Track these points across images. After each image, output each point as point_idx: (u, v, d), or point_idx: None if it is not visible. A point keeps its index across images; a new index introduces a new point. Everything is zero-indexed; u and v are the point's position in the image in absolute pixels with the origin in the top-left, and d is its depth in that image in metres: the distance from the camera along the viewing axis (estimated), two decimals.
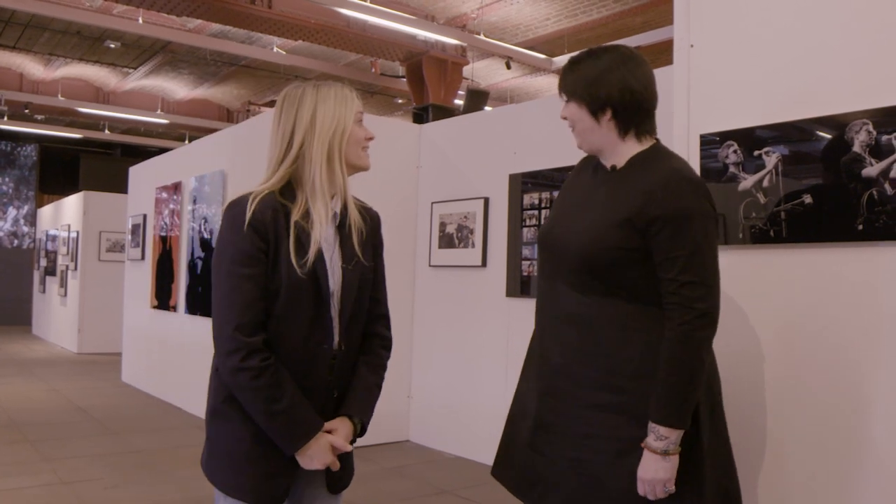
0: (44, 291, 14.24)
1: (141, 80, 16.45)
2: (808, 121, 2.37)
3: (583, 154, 2.17)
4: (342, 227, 1.94)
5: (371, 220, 2.03)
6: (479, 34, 12.08)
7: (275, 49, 13.76)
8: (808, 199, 2.35)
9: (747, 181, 2.50)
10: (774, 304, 2.43)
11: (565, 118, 2.07)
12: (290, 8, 10.78)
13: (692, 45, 2.75)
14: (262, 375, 1.77)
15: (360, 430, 1.96)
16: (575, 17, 11.65)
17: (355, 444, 1.98)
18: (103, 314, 11.41)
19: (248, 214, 1.81)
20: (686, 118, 2.73)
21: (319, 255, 1.85)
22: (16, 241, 19.08)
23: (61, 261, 12.74)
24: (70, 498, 4.29)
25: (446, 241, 5.71)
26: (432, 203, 5.88)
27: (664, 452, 1.83)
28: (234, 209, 1.85)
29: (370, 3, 10.39)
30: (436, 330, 5.84)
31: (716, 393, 2.02)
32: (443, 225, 5.75)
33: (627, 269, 1.92)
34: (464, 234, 5.54)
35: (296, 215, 1.86)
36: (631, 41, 11.56)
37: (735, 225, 2.52)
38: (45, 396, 7.80)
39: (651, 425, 1.85)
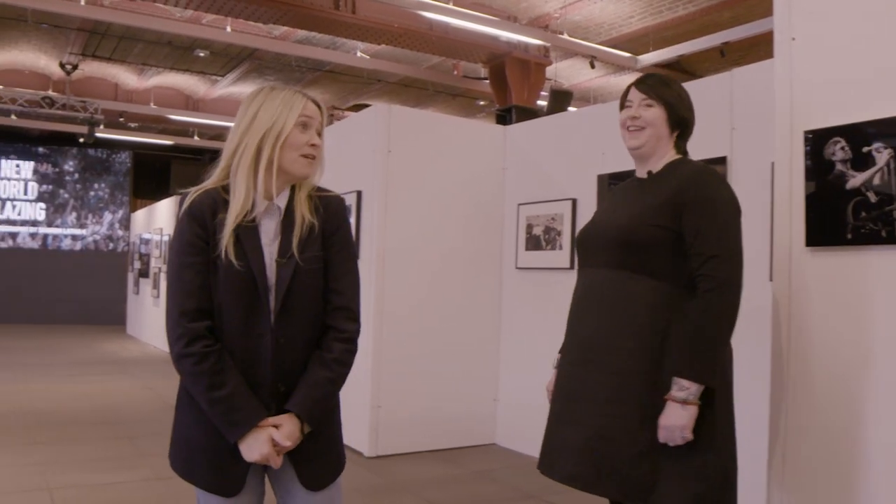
0: (137, 293, 14.74)
1: (229, 88, 16.87)
2: None
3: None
4: (286, 222, 1.93)
5: (325, 211, 1.99)
6: (562, 34, 11.97)
7: (358, 54, 13.92)
8: None
9: (856, 179, 2.39)
10: (888, 307, 2.32)
11: (638, 117, 2.35)
12: (374, 13, 10.88)
13: (794, 39, 2.65)
14: (205, 361, 1.79)
15: (307, 427, 1.89)
16: (660, 13, 11.43)
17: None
18: None
19: (186, 205, 1.87)
20: (789, 114, 2.63)
21: (255, 247, 1.87)
22: (111, 245, 19.80)
23: (154, 263, 13.16)
24: (166, 494, 4.41)
25: (533, 243, 5.66)
26: (518, 205, 5.84)
27: (683, 401, 2.09)
28: (182, 201, 1.90)
29: (452, 5, 10.41)
30: (522, 332, 5.79)
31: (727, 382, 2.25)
32: (529, 227, 5.70)
33: (661, 249, 2.19)
34: (551, 236, 5.48)
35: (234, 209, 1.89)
36: (718, 37, 11.30)
37: (843, 225, 2.41)
38: (141, 394, 8.07)
39: (675, 379, 2.12)
